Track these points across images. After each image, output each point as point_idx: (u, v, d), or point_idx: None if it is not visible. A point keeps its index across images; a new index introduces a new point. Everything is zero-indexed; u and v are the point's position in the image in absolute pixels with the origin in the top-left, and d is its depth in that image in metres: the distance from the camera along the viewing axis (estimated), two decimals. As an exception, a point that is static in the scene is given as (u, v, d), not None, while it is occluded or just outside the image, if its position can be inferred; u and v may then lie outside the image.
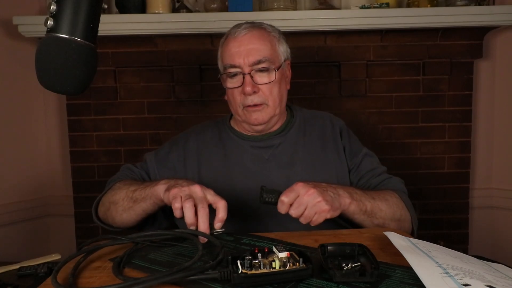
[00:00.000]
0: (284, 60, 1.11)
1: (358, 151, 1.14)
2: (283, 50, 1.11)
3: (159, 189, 0.87)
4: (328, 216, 0.84)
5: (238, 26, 1.08)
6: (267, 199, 0.85)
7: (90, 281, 0.64)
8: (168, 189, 0.84)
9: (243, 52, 1.04)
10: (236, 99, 1.07)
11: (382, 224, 0.96)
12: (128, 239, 0.77)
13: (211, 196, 0.81)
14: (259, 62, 1.04)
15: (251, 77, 1.03)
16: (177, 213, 0.79)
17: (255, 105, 1.05)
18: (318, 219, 0.83)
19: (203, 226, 0.76)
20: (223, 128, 1.17)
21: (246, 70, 1.04)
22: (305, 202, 0.82)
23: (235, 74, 1.05)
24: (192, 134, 1.17)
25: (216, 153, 1.12)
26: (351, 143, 1.15)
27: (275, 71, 1.05)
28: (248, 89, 1.03)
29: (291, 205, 0.83)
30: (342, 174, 1.10)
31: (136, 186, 0.96)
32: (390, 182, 1.09)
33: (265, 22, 1.13)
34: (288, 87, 1.16)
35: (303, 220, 0.84)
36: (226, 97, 1.13)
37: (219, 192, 0.97)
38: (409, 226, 1.03)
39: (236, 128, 1.16)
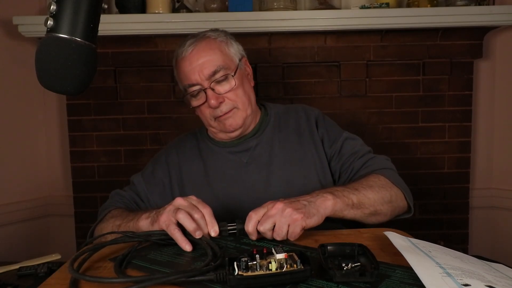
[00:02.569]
0: (240, 60, 1.10)
1: (338, 136, 1.11)
2: (234, 51, 1.09)
3: (143, 226, 0.85)
4: (304, 224, 0.78)
5: (183, 45, 1.07)
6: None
7: (89, 282, 0.64)
8: (153, 222, 0.82)
9: (196, 68, 1.03)
10: (205, 114, 1.07)
11: (374, 212, 0.92)
12: (136, 237, 0.77)
13: (195, 202, 0.80)
14: (214, 73, 1.03)
15: (212, 89, 1.03)
16: (179, 238, 0.76)
17: (226, 113, 1.05)
18: (295, 230, 0.77)
19: (205, 229, 0.77)
20: (201, 138, 1.18)
21: (205, 84, 1.03)
22: (273, 214, 0.77)
23: (198, 92, 1.05)
24: (172, 148, 1.18)
25: (196, 163, 1.12)
26: (329, 131, 1.12)
27: (233, 76, 1.05)
28: (213, 102, 1.03)
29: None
30: (321, 165, 1.09)
31: (120, 221, 0.94)
32: (375, 163, 1.05)
33: (207, 28, 1.13)
34: (252, 83, 1.15)
35: (277, 236, 0.78)
36: (197, 113, 1.13)
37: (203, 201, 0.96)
38: (403, 204, 0.99)
39: (212, 136, 1.16)
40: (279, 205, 0.78)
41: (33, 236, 1.96)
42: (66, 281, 0.63)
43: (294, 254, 0.63)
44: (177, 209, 0.78)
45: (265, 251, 0.63)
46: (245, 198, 1.05)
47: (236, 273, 0.58)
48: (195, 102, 1.07)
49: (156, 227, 0.81)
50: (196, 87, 1.04)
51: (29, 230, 1.95)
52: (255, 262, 0.60)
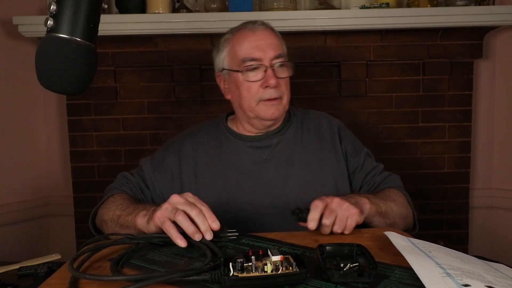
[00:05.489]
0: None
1: (360, 150, 1.15)
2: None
3: (140, 224, 0.84)
4: (359, 219, 0.83)
5: (248, 22, 1.09)
6: (300, 216, 0.84)
7: (90, 281, 0.64)
8: (149, 220, 0.81)
9: (263, 46, 1.04)
10: (252, 93, 1.05)
11: (392, 224, 0.98)
12: (136, 239, 0.77)
13: (192, 199, 0.79)
14: (278, 56, 1.05)
15: (273, 70, 1.04)
16: (173, 234, 0.75)
17: (274, 99, 1.05)
18: (352, 223, 0.82)
19: (203, 227, 0.74)
20: (219, 128, 1.16)
21: (267, 63, 1.04)
22: (334, 208, 0.82)
23: (256, 68, 1.05)
24: (186, 136, 1.16)
25: (212, 154, 1.11)
26: (353, 143, 1.16)
27: (291, 66, 1.08)
28: (273, 81, 1.03)
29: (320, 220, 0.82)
30: (340, 173, 1.10)
31: (120, 211, 0.94)
32: (392, 180, 1.12)
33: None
34: None
35: (338, 228, 0.82)
36: (228, 96, 1.12)
37: (216, 194, 0.97)
38: (411, 222, 1.07)
39: (233, 128, 1.15)
40: (337, 199, 0.83)
41: (33, 236, 1.96)
42: (66, 281, 0.63)
43: (289, 257, 0.63)
44: (175, 208, 0.77)
45: (260, 253, 0.63)
46: (259, 194, 1.05)
47: (231, 274, 0.58)
48: (250, 77, 1.05)
49: (151, 225, 0.80)
50: (257, 63, 1.04)
51: (29, 230, 1.95)
52: (251, 264, 0.60)
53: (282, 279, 0.59)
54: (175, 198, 0.78)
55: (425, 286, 0.55)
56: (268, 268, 0.59)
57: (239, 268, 0.59)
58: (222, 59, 1.11)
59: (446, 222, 1.91)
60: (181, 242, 0.74)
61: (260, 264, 0.61)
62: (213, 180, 1.06)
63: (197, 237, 0.74)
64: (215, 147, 1.12)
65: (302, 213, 0.83)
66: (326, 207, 0.82)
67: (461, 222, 1.91)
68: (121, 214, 0.93)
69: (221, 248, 0.75)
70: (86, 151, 1.87)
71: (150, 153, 1.85)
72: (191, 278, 0.60)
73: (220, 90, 1.18)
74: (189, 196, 0.80)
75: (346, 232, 0.82)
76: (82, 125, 1.86)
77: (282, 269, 0.59)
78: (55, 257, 1.44)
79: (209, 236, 0.74)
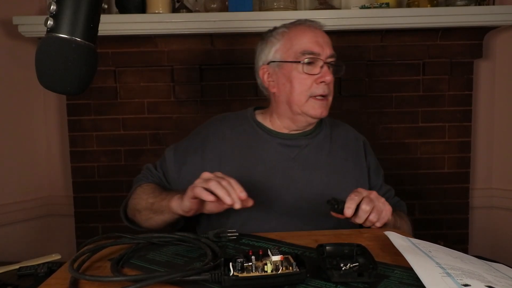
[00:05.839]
0: None
1: (380, 170, 1.21)
2: None
3: (174, 206, 0.89)
4: (390, 216, 0.89)
5: (305, 20, 1.11)
6: (336, 207, 0.86)
7: (89, 281, 0.64)
8: (181, 196, 0.87)
9: (321, 42, 1.06)
10: (305, 86, 1.06)
11: None
12: (136, 238, 0.77)
13: (220, 175, 0.83)
14: (333, 56, 1.08)
15: (328, 68, 1.06)
16: (203, 194, 0.80)
17: (323, 96, 1.06)
18: (385, 217, 0.88)
19: (234, 195, 0.79)
20: (247, 121, 1.15)
21: (324, 60, 1.06)
22: (373, 198, 0.87)
23: (313, 62, 1.05)
24: (212, 125, 1.16)
25: (238, 145, 1.10)
26: (376, 161, 1.21)
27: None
28: (329, 77, 1.05)
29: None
30: (361, 183, 1.12)
31: (153, 198, 0.99)
32: (401, 205, 1.19)
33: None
34: None
35: (374, 216, 0.86)
36: (274, 89, 1.12)
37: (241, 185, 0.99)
38: None
39: (264, 123, 1.15)
40: (376, 193, 0.89)
41: (33, 236, 1.96)
42: (66, 281, 0.63)
43: (289, 257, 0.63)
44: (206, 180, 0.81)
45: (261, 253, 0.63)
46: (284, 191, 1.05)
47: (231, 274, 0.58)
48: (308, 69, 1.06)
49: (185, 201, 0.85)
50: (315, 57, 1.05)
51: (29, 230, 1.95)
52: (251, 264, 0.60)
53: (282, 279, 0.59)
54: (205, 174, 0.84)
55: (425, 286, 0.55)
56: (268, 268, 0.59)
57: (239, 268, 0.59)
58: (274, 51, 1.10)
59: (446, 222, 1.91)
60: (210, 197, 0.79)
61: (260, 264, 0.61)
62: (238, 171, 1.05)
63: (228, 200, 0.78)
64: (241, 138, 1.11)
65: (338, 204, 0.86)
66: (363, 199, 0.86)
67: (461, 222, 1.91)
68: (155, 201, 0.97)
69: (221, 248, 0.75)
70: (86, 151, 1.87)
71: (150, 153, 1.87)
72: (191, 278, 0.60)
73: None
74: (218, 173, 0.85)
75: (378, 225, 0.87)
76: (82, 125, 1.86)
77: (282, 269, 0.59)
78: (55, 257, 1.44)
79: (237, 206, 0.79)
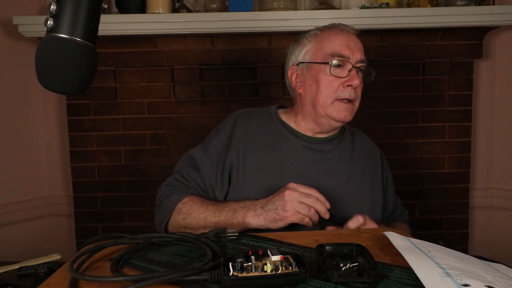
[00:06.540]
0: None
1: (393, 185, 1.23)
2: None
3: (256, 223, 0.92)
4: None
5: (338, 23, 1.11)
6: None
7: (89, 281, 0.64)
8: (275, 220, 0.90)
9: (352, 46, 1.05)
10: (332, 89, 1.05)
11: None
12: (136, 238, 0.77)
13: (304, 189, 0.91)
14: (363, 61, 1.07)
15: (357, 72, 1.06)
16: (308, 223, 0.90)
17: (351, 100, 1.06)
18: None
19: (323, 209, 0.90)
20: (271, 119, 1.14)
21: (353, 64, 1.05)
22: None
23: (342, 65, 1.05)
24: (238, 120, 1.13)
25: (264, 143, 1.09)
26: (391, 176, 1.23)
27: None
28: (357, 81, 1.04)
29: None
30: (377, 198, 1.14)
31: (214, 218, 0.97)
32: (405, 214, 1.25)
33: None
34: None
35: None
36: (300, 90, 1.11)
37: (267, 184, 1.01)
38: None
39: (288, 123, 1.14)
40: (375, 225, 0.96)
41: (33, 236, 1.96)
42: (66, 281, 0.63)
43: (289, 257, 0.63)
44: (298, 198, 0.89)
45: (260, 253, 0.63)
46: None
47: (231, 274, 0.58)
48: (336, 72, 1.06)
49: (280, 224, 0.90)
50: (344, 60, 1.05)
51: (29, 230, 1.95)
52: (250, 263, 0.60)
53: (282, 279, 0.59)
54: (293, 194, 0.90)
55: (425, 286, 0.55)
56: (268, 268, 0.59)
57: (239, 268, 0.59)
58: (304, 52, 1.10)
59: (446, 222, 1.91)
60: (310, 223, 0.91)
61: (259, 264, 0.61)
62: (263, 169, 1.05)
63: (327, 216, 0.91)
64: (267, 137, 1.10)
65: (335, 221, 0.94)
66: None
67: (461, 222, 1.91)
68: (219, 220, 0.96)
69: (221, 248, 0.75)
70: (86, 151, 1.87)
71: (150, 153, 1.87)
72: (191, 278, 0.60)
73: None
74: (300, 188, 0.91)
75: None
76: (82, 125, 1.86)
77: (282, 269, 0.59)
78: (55, 257, 1.44)
79: (327, 216, 0.91)
